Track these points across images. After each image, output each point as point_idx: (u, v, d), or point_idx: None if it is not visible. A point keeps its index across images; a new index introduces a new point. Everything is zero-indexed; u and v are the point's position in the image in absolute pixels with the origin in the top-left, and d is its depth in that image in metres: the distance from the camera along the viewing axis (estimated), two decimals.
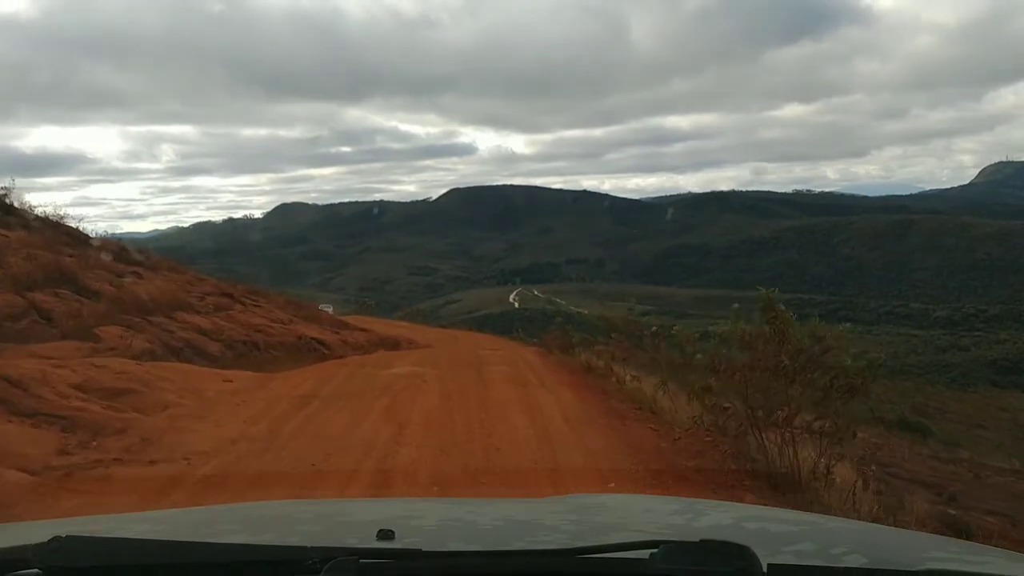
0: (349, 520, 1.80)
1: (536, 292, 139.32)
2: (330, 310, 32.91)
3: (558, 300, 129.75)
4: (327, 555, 1.14)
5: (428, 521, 1.71)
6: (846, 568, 1.30)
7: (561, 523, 1.64)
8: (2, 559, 1.26)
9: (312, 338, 18.33)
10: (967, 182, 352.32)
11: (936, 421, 24.32)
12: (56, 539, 1.21)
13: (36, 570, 1.21)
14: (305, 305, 26.72)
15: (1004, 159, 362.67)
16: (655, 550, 1.15)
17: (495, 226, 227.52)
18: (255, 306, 19.65)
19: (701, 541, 1.17)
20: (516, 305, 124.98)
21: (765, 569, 1.12)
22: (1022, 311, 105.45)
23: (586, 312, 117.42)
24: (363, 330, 23.99)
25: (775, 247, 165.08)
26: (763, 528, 1.66)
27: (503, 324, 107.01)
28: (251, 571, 1.18)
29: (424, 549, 1.19)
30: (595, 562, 1.20)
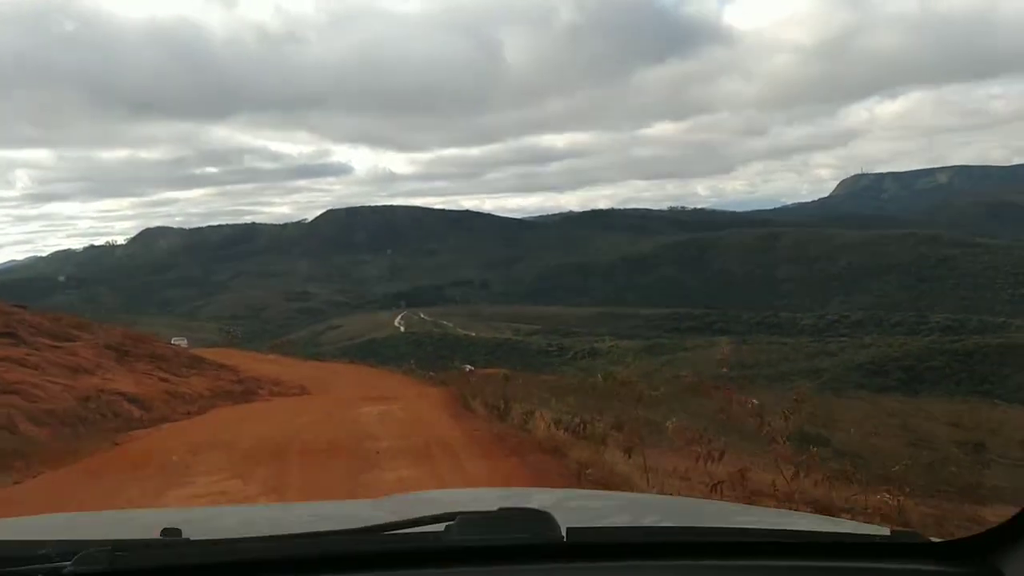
0: (135, 521, 1.67)
1: (422, 315, 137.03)
2: (184, 343, 29.51)
3: (445, 323, 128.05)
4: (78, 549, 1.06)
5: (229, 521, 1.65)
6: (645, 527, 1.32)
7: (375, 515, 1.57)
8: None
9: (119, 393, 13.42)
10: (827, 195, 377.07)
11: (831, 431, 24.32)
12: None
13: None
14: (147, 339, 22.30)
15: (860, 172, 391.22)
16: (451, 522, 1.14)
17: (376, 248, 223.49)
18: (52, 347, 15.26)
19: (499, 510, 1.16)
20: (402, 329, 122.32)
21: (564, 533, 1.12)
22: (883, 316, 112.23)
23: (474, 335, 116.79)
24: (220, 367, 20.60)
25: (654, 263, 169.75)
26: (583, 505, 1.67)
27: (389, 351, 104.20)
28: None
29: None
30: (387, 539, 1.18)
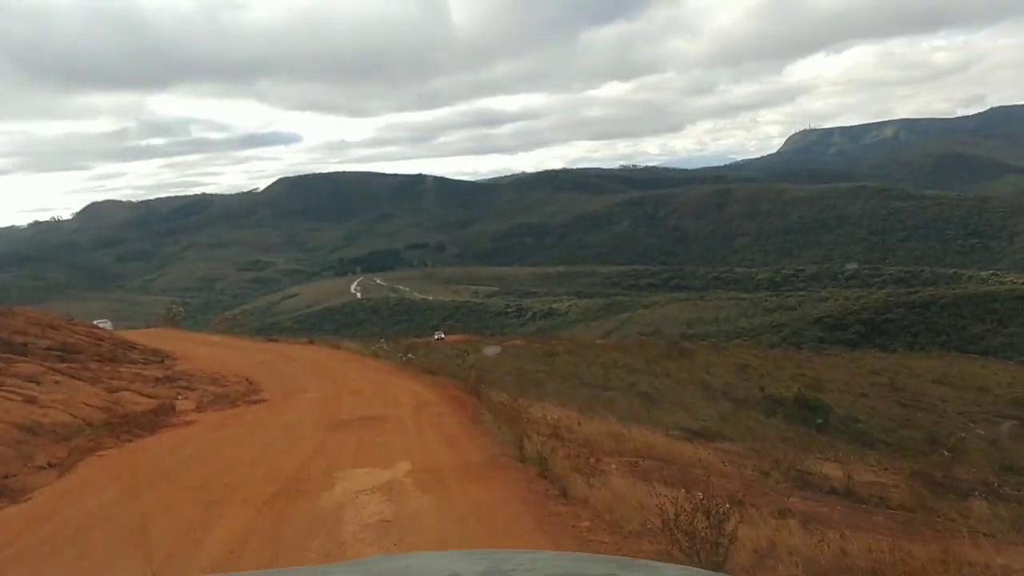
0: None
1: (378, 280, 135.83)
2: (108, 326, 26.06)
3: (401, 287, 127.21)
4: None
5: None
6: None
7: None
8: None
9: None
10: (775, 151, 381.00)
11: (824, 393, 23.63)
12: None
13: None
14: (59, 325, 17.80)
15: (807, 127, 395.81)
16: None
17: (329, 215, 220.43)
18: None
19: None
20: (359, 296, 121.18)
21: None
22: (836, 269, 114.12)
23: (431, 298, 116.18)
24: (147, 358, 16.92)
25: (608, 222, 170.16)
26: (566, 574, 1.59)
27: (347, 318, 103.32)
28: None
29: None
30: None
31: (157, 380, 14.21)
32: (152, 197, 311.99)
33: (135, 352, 17.81)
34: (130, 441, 9.31)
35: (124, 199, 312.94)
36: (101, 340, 17.79)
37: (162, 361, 17.25)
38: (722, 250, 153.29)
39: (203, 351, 19.91)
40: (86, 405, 10.45)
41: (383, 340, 26.37)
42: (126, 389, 12.47)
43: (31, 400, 9.96)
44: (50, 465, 7.94)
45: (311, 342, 25.25)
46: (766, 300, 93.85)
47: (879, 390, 26.81)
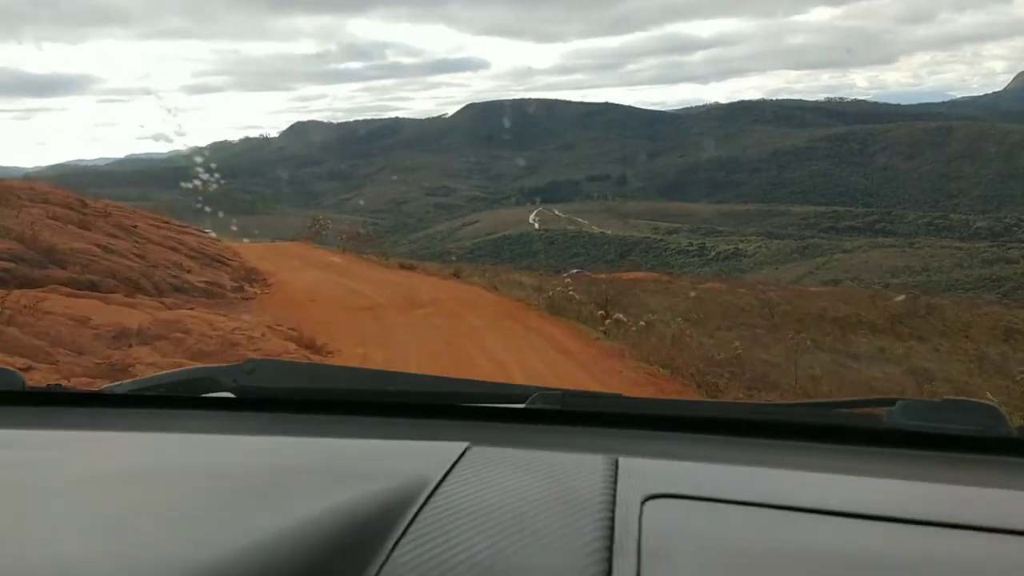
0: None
1: (557, 212, 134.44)
2: (212, 235, 25.39)
3: (580, 220, 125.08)
4: (528, 392, 1.26)
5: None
6: None
7: None
8: (196, 379, 1.29)
9: None
10: (1001, 88, 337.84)
11: None
12: (250, 361, 1.26)
13: (228, 393, 1.26)
14: (176, 228, 17.60)
15: None
16: (891, 407, 1.16)
17: (513, 143, 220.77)
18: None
19: (944, 400, 1.16)
20: (536, 226, 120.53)
21: (1015, 432, 1.09)
22: None
23: (609, 233, 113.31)
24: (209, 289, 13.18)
25: (807, 158, 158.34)
26: None
27: (524, 249, 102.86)
28: (459, 404, 1.28)
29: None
30: (834, 415, 1.24)
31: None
32: (351, 120, 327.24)
33: (219, 266, 15.49)
34: None
35: (325, 120, 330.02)
36: (195, 251, 15.99)
37: (242, 288, 14.30)
38: (936, 194, 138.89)
39: (308, 276, 16.54)
40: None
41: (568, 279, 18.83)
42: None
43: None
44: None
45: (456, 275, 19.08)
46: (985, 251, 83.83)
47: None
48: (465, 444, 1.06)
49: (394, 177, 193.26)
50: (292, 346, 9.63)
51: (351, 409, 1.29)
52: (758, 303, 19.73)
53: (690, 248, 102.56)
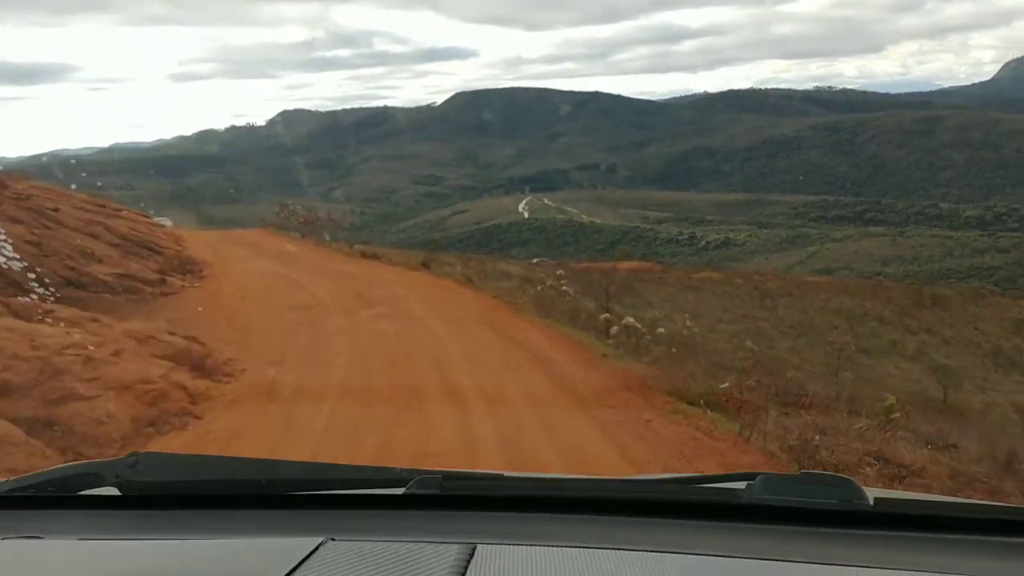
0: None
1: (547, 201, 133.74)
2: (168, 224, 24.10)
3: (569, 209, 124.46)
4: (411, 476, 1.22)
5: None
6: (954, 502, 1.27)
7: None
8: (78, 474, 1.27)
9: None
10: (988, 78, 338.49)
11: None
12: (134, 455, 1.23)
13: (111, 488, 1.22)
14: (109, 212, 15.59)
15: None
16: (751, 481, 1.17)
17: (502, 131, 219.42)
18: None
19: (802, 473, 1.19)
20: (526, 215, 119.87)
21: (871, 501, 1.11)
22: None
23: (599, 222, 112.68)
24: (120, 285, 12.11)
25: (796, 147, 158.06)
26: None
27: (513, 238, 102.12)
28: (338, 491, 1.24)
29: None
30: (695, 491, 1.25)
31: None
32: (339, 108, 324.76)
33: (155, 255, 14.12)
34: None
35: (313, 108, 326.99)
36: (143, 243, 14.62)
37: (164, 281, 13.14)
38: (925, 183, 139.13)
39: (251, 266, 15.17)
40: None
41: (560, 271, 17.64)
42: None
43: None
44: None
45: (425, 265, 16.96)
46: (975, 240, 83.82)
47: None
48: (320, 539, 1.01)
49: (383, 166, 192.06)
50: (164, 367, 7.54)
51: (228, 503, 1.24)
52: (758, 294, 19.19)
53: (680, 237, 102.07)
